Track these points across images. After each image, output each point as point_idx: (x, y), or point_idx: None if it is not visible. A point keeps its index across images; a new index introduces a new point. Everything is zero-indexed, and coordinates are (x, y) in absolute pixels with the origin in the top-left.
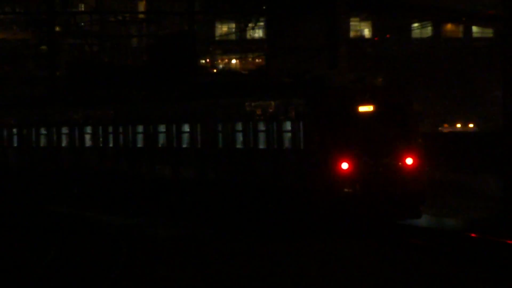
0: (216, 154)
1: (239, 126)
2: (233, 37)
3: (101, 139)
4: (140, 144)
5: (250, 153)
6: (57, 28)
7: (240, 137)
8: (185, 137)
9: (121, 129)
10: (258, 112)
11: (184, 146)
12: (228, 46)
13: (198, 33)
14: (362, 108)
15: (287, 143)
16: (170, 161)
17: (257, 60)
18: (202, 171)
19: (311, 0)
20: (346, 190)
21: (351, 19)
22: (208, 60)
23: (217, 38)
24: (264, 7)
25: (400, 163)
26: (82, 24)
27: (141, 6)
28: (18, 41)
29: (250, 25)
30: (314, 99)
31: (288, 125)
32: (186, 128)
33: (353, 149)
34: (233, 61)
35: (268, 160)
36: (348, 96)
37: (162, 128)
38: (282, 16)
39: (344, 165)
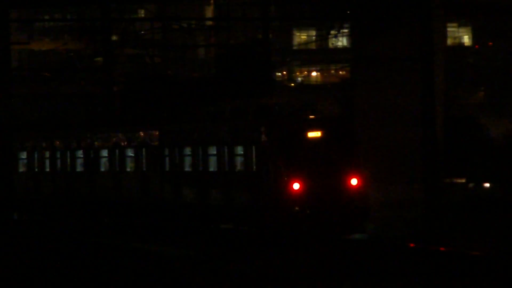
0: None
1: (213, 150)
2: (313, 46)
3: (144, 163)
4: (187, 167)
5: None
6: (114, 37)
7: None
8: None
9: (166, 152)
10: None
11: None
12: (307, 56)
13: (274, 42)
14: (311, 134)
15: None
16: (222, 185)
17: (340, 72)
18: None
19: (402, 4)
20: (296, 207)
21: (448, 24)
22: (285, 72)
23: (295, 48)
24: (348, 12)
25: (345, 184)
26: (142, 32)
27: (209, 12)
28: (70, 52)
29: (332, 32)
30: (268, 126)
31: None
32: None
33: (303, 171)
34: (313, 73)
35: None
36: (298, 123)
37: (212, 150)
38: (370, 22)
39: (296, 185)
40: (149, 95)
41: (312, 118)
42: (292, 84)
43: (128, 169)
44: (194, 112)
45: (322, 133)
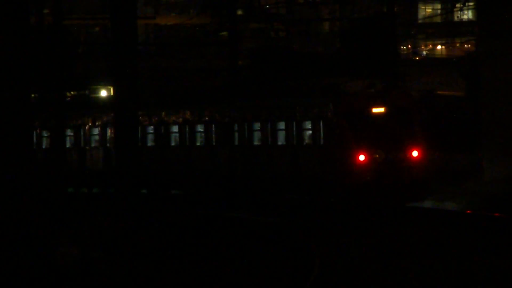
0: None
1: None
2: (438, 19)
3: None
4: (256, 141)
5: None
6: (239, 12)
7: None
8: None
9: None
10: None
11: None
12: (432, 30)
13: (399, 16)
14: (375, 110)
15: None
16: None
17: (466, 46)
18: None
19: None
20: (362, 177)
21: None
22: (409, 46)
23: (419, 21)
24: None
25: (407, 156)
26: (267, 6)
27: None
28: (195, 27)
29: (458, 5)
30: (335, 103)
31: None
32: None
33: (368, 144)
34: (438, 47)
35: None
36: (363, 100)
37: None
38: None
39: (361, 157)
40: (274, 70)
41: (375, 94)
42: (417, 58)
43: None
44: (276, 88)
45: (385, 109)
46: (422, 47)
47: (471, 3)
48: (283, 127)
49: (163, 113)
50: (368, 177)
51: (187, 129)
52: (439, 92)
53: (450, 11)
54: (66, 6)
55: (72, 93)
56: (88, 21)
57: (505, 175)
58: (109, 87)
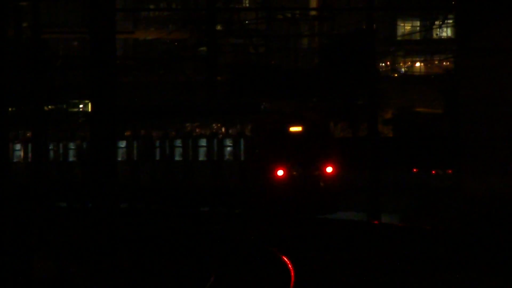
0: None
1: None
2: (417, 36)
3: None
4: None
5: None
6: (218, 27)
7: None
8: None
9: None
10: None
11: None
12: (411, 47)
13: (378, 32)
14: (292, 129)
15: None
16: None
17: (444, 63)
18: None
19: None
20: (281, 191)
21: None
22: (388, 63)
23: (398, 38)
24: (453, 2)
25: (321, 171)
26: (246, 22)
27: (313, 2)
28: (175, 41)
29: (437, 22)
30: (255, 122)
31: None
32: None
33: (285, 160)
34: (417, 64)
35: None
36: (281, 119)
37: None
38: (476, 13)
39: (280, 172)
40: (253, 85)
41: (293, 114)
42: (396, 75)
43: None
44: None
45: (302, 128)
46: (401, 64)
47: (450, 21)
48: (205, 144)
49: None
50: (286, 191)
51: None
52: (417, 109)
53: (429, 28)
54: (45, 20)
55: (50, 106)
56: (67, 35)
57: (483, 190)
58: (87, 101)
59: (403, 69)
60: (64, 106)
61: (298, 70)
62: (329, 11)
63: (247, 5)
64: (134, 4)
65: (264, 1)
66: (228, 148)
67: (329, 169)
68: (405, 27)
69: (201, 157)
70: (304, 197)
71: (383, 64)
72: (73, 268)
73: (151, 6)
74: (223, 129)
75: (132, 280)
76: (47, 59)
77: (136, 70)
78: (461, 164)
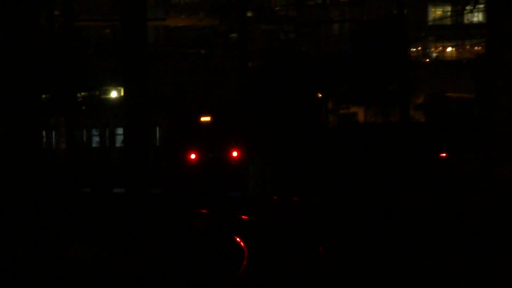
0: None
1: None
2: (448, 21)
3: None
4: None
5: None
6: (249, 13)
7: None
8: None
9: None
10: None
11: None
12: (442, 32)
13: (408, 18)
14: (203, 118)
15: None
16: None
17: (476, 48)
18: None
19: None
20: (192, 172)
21: None
22: (419, 48)
23: (430, 23)
24: None
25: (228, 155)
26: (277, 8)
27: None
28: (205, 28)
29: (468, 7)
30: (170, 113)
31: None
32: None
33: (198, 146)
34: (449, 49)
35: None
36: (193, 110)
37: None
38: None
39: (192, 156)
40: (283, 71)
41: (204, 105)
42: (427, 60)
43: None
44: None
45: (211, 118)
46: (432, 49)
47: (481, 5)
48: (121, 132)
49: None
50: (198, 172)
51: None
52: (449, 94)
53: (460, 13)
54: (77, 8)
55: (82, 93)
56: (99, 22)
57: None
58: (120, 87)
59: (434, 54)
60: (97, 93)
61: (328, 56)
62: None
63: None
64: None
65: None
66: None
67: (234, 154)
68: (436, 12)
69: (118, 143)
70: (213, 177)
71: (414, 50)
72: (108, 252)
73: None
74: None
75: (162, 264)
76: (79, 47)
77: (167, 57)
78: (494, 149)
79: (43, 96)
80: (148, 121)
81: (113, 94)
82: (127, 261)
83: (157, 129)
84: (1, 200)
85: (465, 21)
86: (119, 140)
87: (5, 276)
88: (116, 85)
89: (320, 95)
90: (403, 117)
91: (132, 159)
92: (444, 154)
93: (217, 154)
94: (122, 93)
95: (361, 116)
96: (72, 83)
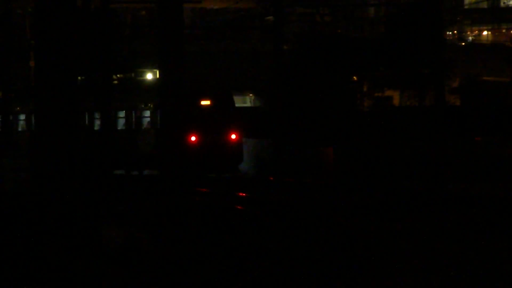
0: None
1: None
2: (484, 5)
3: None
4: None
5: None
6: None
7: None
8: None
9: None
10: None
11: None
12: (478, 16)
13: (445, 1)
14: (203, 102)
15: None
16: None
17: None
18: None
19: None
20: (193, 153)
21: None
22: (455, 31)
23: (466, 7)
24: None
25: (226, 138)
26: None
27: None
28: (241, 11)
29: None
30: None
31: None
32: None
33: (198, 129)
34: (484, 32)
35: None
36: (193, 94)
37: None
38: None
39: (193, 138)
40: (319, 54)
41: (203, 90)
42: (463, 44)
43: None
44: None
45: (211, 102)
46: (468, 33)
47: None
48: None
49: None
50: (198, 153)
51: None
52: (484, 78)
53: None
54: None
55: (118, 75)
56: (135, 4)
57: None
58: (155, 70)
59: (470, 38)
60: (132, 75)
61: (364, 39)
62: None
63: None
64: None
65: None
66: (147, 119)
67: (233, 136)
68: None
69: (120, 126)
70: (212, 159)
71: (450, 33)
72: (142, 235)
73: None
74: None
75: (196, 247)
76: (115, 29)
77: (203, 39)
78: None
79: (78, 78)
80: (182, 103)
81: (149, 76)
82: (158, 243)
83: (158, 112)
84: (41, 181)
85: (502, 4)
86: (144, 123)
87: (41, 258)
88: (152, 67)
89: (355, 78)
90: (439, 100)
91: (165, 142)
92: (478, 138)
93: (216, 136)
94: (157, 76)
95: (396, 100)
96: (107, 66)
